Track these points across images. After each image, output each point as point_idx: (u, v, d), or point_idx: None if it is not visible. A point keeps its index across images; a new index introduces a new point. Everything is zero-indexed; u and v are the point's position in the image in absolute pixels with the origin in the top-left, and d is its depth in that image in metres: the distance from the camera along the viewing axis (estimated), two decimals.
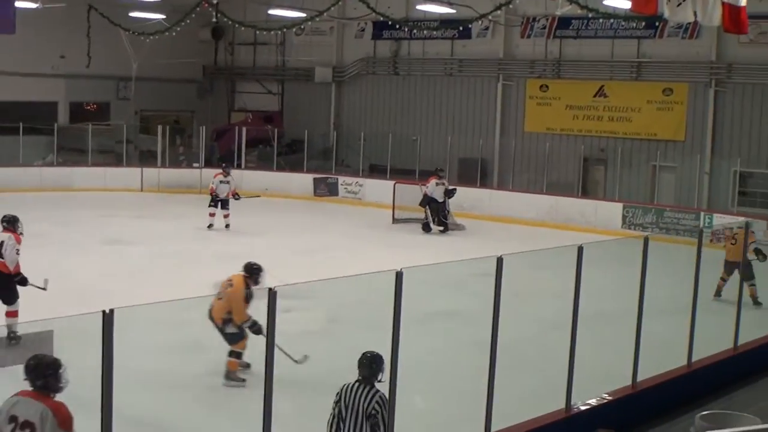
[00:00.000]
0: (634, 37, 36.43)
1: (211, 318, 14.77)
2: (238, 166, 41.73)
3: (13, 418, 7.97)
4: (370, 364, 9.60)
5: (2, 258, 16.75)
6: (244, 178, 40.18)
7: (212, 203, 30.79)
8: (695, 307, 13.83)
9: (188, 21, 36.96)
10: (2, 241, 16.91)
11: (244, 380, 14.20)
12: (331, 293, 19.08)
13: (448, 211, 32.97)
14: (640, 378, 12.83)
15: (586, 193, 36.85)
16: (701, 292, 13.92)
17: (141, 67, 43.10)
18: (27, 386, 7.65)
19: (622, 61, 36.90)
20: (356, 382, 9.66)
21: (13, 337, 12.86)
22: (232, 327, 14.70)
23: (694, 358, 13.94)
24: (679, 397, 13.36)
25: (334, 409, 9.66)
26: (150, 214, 33.06)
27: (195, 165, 42.07)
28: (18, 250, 16.84)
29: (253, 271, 15.20)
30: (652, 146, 35.96)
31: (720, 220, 30.26)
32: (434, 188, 32.27)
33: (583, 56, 37.83)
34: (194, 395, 14.04)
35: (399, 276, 8.99)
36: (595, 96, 37.50)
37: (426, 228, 32.19)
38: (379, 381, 9.54)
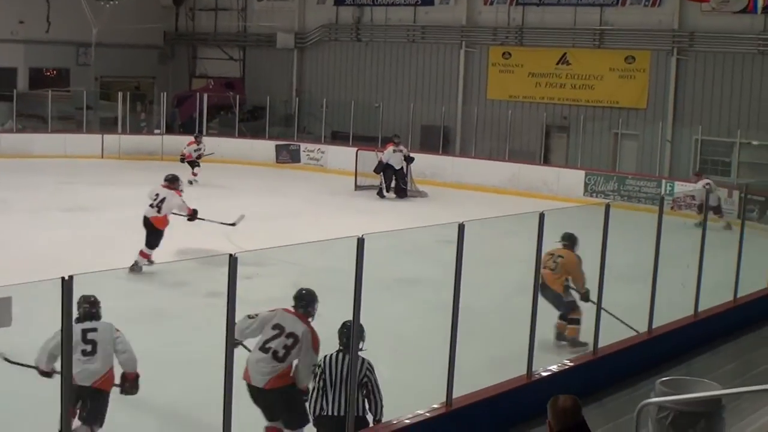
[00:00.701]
0: (596, 4, 36.48)
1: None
2: (200, 133, 41.53)
3: (279, 326, 10.46)
4: (346, 333, 9.60)
5: (159, 212, 20.18)
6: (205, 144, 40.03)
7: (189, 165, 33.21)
8: (656, 274, 13.87)
9: None
10: (164, 197, 20.62)
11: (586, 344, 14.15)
12: (293, 259, 19.04)
13: (411, 179, 33.02)
14: (601, 344, 12.88)
15: (548, 160, 36.91)
16: (662, 259, 13.95)
17: (101, 33, 42.73)
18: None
19: (585, 28, 36.92)
20: (338, 352, 9.64)
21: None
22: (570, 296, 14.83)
23: (655, 325, 13.98)
24: (640, 364, 13.42)
25: (316, 381, 9.62)
26: (110, 180, 32.87)
27: (156, 131, 41.86)
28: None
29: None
30: (614, 114, 36.05)
31: (681, 187, 30.37)
32: (390, 155, 32.27)
33: (546, 24, 37.82)
34: (157, 364, 13.96)
35: (360, 242, 8.96)
36: (557, 64, 37.52)
37: (380, 194, 32.18)
38: (361, 350, 9.53)
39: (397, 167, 32.30)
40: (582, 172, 33.95)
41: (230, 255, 7.97)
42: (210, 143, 38.94)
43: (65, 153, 38.59)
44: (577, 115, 36.68)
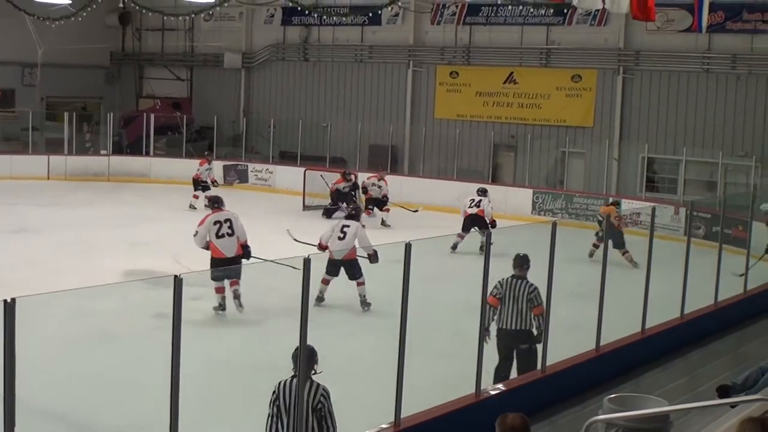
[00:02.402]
0: (543, 24, 36.69)
1: None
2: (147, 154, 41.38)
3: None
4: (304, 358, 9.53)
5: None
6: (152, 165, 39.87)
7: (199, 188, 32.68)
8: (603, 292, 13.91)
9: (95, 6, 36.42)
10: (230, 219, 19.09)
11: None
12: (241, 280, 18.93)
13: (359, 198, 33.03)
14: (549, 362, 12.89)
15: (496, 179, 37.01)
16: (610, 276, 14.00)
17: (47, 53, 42.41)
18: None
19: (532, 47, 37.12)
20: (291, 378, 9.54)
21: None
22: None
23: (603, 342, 14.02)
24: (588, 381, 13.44)
25: (271, 407, 9.53)
26: (56, 202, 32.63)
27: (103, 152, 41.61)
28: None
29: None
30: (561, 132, 36.25)
31: (628, 205, 30.55)
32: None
33: (493, 43, 37.99)
34: (103, 386, 13.85)
35: (307, 263, 8.91)
36: (504, 83, 37.69)
37: (327, 213, 32.03)
38: (314, 373, 9.46)
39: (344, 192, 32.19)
40: (530, 191, 34.10)
41: (175, 276, 7.91)
42: (157, 164, 38.88)
43: (11, 174, 38.25)
44: (524, 134, 36.84)
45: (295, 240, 21.88)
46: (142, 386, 13.23)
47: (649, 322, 15.29)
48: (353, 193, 32.35)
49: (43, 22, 38.49)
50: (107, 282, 18.39)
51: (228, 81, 45.90)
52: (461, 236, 23.79)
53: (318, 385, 9.35)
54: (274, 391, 9.53)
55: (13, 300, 6.90)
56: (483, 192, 26.69)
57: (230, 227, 18.85)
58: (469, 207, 25.73)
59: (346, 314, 18.33)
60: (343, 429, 10.26)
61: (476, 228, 23.53)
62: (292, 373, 9.58)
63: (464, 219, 25.44)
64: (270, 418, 9.51)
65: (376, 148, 39.54)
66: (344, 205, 30.93)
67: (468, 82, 38.68)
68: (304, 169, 34.55)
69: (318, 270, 8.85)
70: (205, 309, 17.63)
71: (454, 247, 24.26)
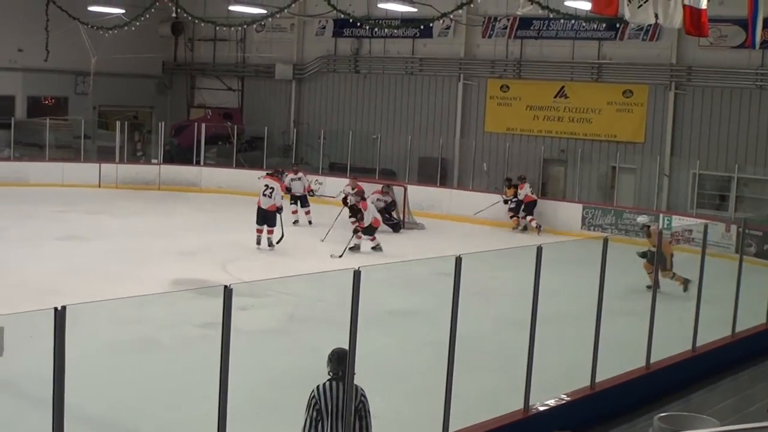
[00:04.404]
0: (594, 38, 36.50)
1: None
2: (197, 163, 41.55)
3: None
4: (341, 361, 9.53)
5: (272, 199, 27.13)
6: (203, 175, 40.04)
7: (292, 201, 32.30)
8: (654, 309, 13.81)
9: (148, 16, 36.71)
10: (273, 187, 27.47)
11: None
12: (289, 291, 18.96)
13: (408, 211, 33.03)
14: (598, 379, 12.79)
15: (545, 193, 36.87)
16: (661, 293, 13.89)
17: (100, 62, 42.66)
18: None
19: (583, 62, 36.95)
20: (329, 381, 9.54)
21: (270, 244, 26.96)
22: None
23: (653, 360, 13.91)
24: (638, 399, 13.33)
25: (309, 412, 9.51)
26: (107, 210, 32.81)
27: (153, 161, 41.83)
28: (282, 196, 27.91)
29: None
30: (612, 147, 36.04)
31: (679, 222, 30.34)
32: (376, 203, 31.98)
33: (544, 57, 37.87)
34: (149, 396, 13.87)
35: (357, 275, 8.88)
36: (555, 97, 37.53)
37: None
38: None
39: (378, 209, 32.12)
40: (580, 206, 33.91)
41: (225, 286, 7.90)
42: (208, 174, 39.03)
43: (62, 182, 38.55)
44: (574, 149, 36.67)
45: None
46: (189, 395, 13.26)
47: (700, 340, 15.17)
48: (391, 208, 32.28)
49: (97, 32, 38.82)
50: (156, 291, 18.49)
51: (279, 92, 46.03)
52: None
53: (357, 387, 9.34)
54: (312, 395, 9.52)
55: (64, 308, 6.92)
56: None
57: (272, 193, 27.25)
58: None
59: (393, 327, 18.28)
60: None
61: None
62: (329, 376, 9.57)
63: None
64: (309, 421, 9.49)
65: (425, 161, 39.50)
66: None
67: (518, 95, 38.56)
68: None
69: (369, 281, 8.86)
70: (254, 319, 17.64)
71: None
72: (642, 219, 24.75)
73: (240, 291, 8.16)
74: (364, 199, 28.35)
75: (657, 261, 19.47)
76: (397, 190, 33.84)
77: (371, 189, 32.55)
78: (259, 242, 27.19)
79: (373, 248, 26.95)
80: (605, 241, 12.74)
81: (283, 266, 23.98)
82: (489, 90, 39.39)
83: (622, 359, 14.09)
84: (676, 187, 34.61)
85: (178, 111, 49.04)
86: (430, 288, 17.53)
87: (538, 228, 33.33)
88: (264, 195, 27.40)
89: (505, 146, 37.30)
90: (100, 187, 39.37)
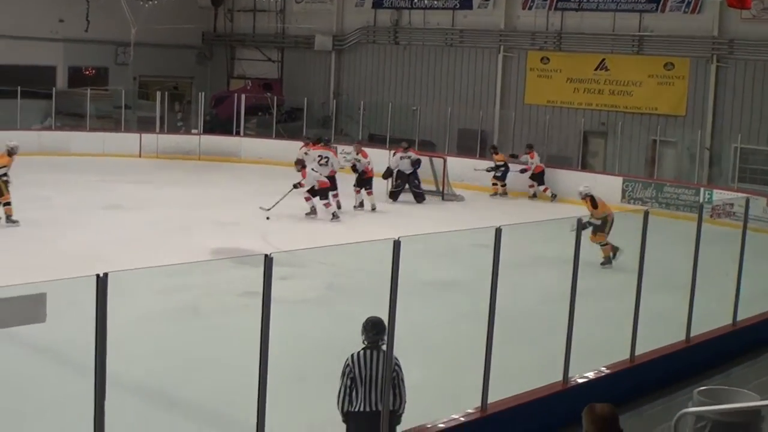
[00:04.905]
0: (636, 10, 36.20)
1: None
2: (237, 134, 41.65)
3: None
4: (377, 329, 9.58)
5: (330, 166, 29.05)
6: (243, 145, 40.10)
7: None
8: (694, 282, 13.75)
9: None
10: (328, 156, 29.48)
11: None
12: (328, 261, 19.00)
13: (447, 183, 33.05)
14: (638, 352, 12.75)
15: (586, 166, 36.72)
16: (701, 267, 13.81)
17: (140, 33, 42.78)
18: None
19: (624, 34, 36.65)
20: (364, 349, 9.62)
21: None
22: None
23: (693, 334, 13.85)
24: (677, 372, 13.28)
25: (343, 380, 9.59)
26: (148, 179, 32.95)
27: (194, 131, 41.96)
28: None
29: None
30: (653, 121, 35.80)
31: (720, 195, 30.15)
32: (398, 161, 32.16)
33: (585, 29, 37.61)
34: (191, 362, 13.96)
35: (396, 245, 8.89)
36: (596, 69, 37.29)
37: (393, 196, 32.09)
38: (382, 343, 9.51)
39: (407, 172, 32.18)
40: (620, 179, 33.74)
41: (266, 255, 7.92)
42: (247, 144, 39.10)
43: (103, 151, 38.75)
44: (615, 121, 36.44)
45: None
46: (229, 363, 13.33)
47: (741, 315, 15.09)
48: (417, 166, 32.32)
49: (137, 2, 39.01)
50: (196, 260, 18.57)
51: (318, 63, 46.01)
52: None
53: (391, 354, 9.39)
54: (347, 364, 9.59)
55: (105, 275, 6.96)
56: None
57: (327, 161, 29.10)
58: None
59: (432, 298, 18.29)
60: (429, 412, 10.28)
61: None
62: (364, 345, 9.62)
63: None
64: (344, 389, 9.57)
65: (465, 132, 39.41)
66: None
67: (559, 68, 38.37)
68: (392, 151, 34.36)
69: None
70: (294, 288, 17.69)
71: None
72: (583, 189, 24.71)
73: (280, 260, 8.18)
74: (304, 168, 28.31)
75: (602, 228, 19.75)
76: (437, 162, 33.85)
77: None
78: (314, 211, 27.71)
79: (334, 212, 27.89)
80: (646, 214, 12.68)
81: (324, 236, 24.03)
82: (529, 62, 39.21)
83: (661, 333, 14.03)
84: (718, 160, 34.37)
85: (217, 82, 49.13)
86: (470, 259, 17.53)
87: (553, 196, 33.92)
88: (320, 164, 28.71)
89: (545, 118, 37.14)
90: (140, 157, 39.55)
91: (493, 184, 34.76)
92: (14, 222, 24.05)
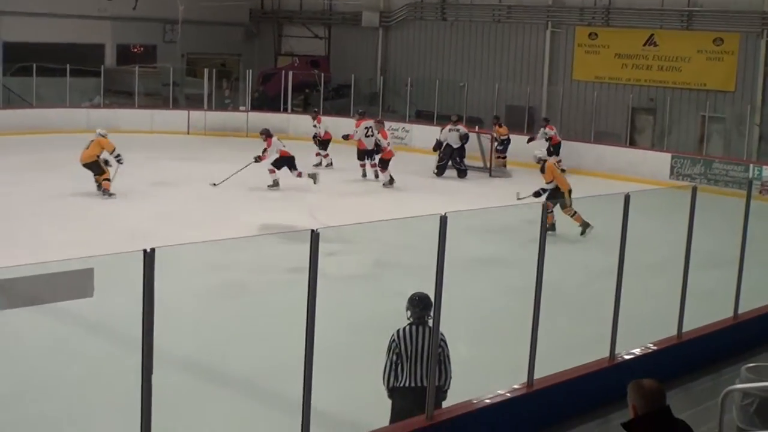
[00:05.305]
0: None
1: None
2: (285, 110, 41.73)
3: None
4: (423, 304, 9.60)
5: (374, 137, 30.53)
6: (290, 122, 40.14)
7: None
8: (743, 259, 13.65)
9: None
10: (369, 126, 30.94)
11: None
12: (375, 237, 19.03)
13: (494, 158, 33.09)
14: (685, 329, 12.69)
15: (634, 142, 36.55)
16: (750, 244, 13.71)
17: (187, 10, 42.99)
18: None
19: (673, 9, 36.41)
20: (410, 325, 9.65)
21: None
22: None
23: (741, 310, 13.76)
24: (725, 349, 13.21)
25: (389, 355, 9.62)
26: (196, 156, 33.09)
27: (241, 108, 42.07)
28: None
29: None
30: (702, 96, 35.54)
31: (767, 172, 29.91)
32: (447, 134, 32.35)
33: (633, 4, 37.37)
34: (237, 337, 14.04)
35: (443, 220, 8.89)
36: (644, 45, 37.07)
37: (439, 171, 32.12)
38: (429, 318, 9.53)
39: (455, 146, 32.26)
40: (668, 155, 33.56)
41: (312, 230, 7.93)
42: (295, 121, 39.22)
43: (152, 129, 38.97)
44: (663, 97, 36.23)
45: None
46: (277, 339, 13.38)
47: None
48: (465, 141, 32.36)
49: None
50: (243, 236, 18.67)
51: (365, 40, 45.97)
52: None
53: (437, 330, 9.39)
54: (392, 339, 9.63)
55: (153, 250, 7.00)
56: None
57: (371, 132, 30.41)
58: None
59: (479, 273, 18.30)
60: (475, 387, 10.29)
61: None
62: (409, 321, 9.63)
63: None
64: (390, 365, 9.60)
65: (512, 109, 39.29)
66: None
67: (607, 43, 38.15)
68: (440, 128, 34.31)
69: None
70: (340, 264, 17.73)
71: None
72: (537, 152, 24.82)
73: (327, 236, 8.20)
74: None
75: (558, 198, 19.83)
76: (484, 138, 33.83)
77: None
78: (365, 175, 30.36)
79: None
80: (694, 190, 12.59)
81: (371, 212, 24.06)
82: (577, 38, 39.03)
83: (709, 310, 13.95)
84: (767, 136, 34.07)
85: (265, 59, 49.24)
86: (518, 235, 17.51)
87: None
88: (366, 137, 30.65)
89: (593, 95, 36.96)
90: (188, 134, 39.75)
91: (498, 158, 34.57)
92: (111, 195, 25.27)
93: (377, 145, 30.34)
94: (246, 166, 27.24)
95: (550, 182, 23.18)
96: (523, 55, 40.55)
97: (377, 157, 30.21)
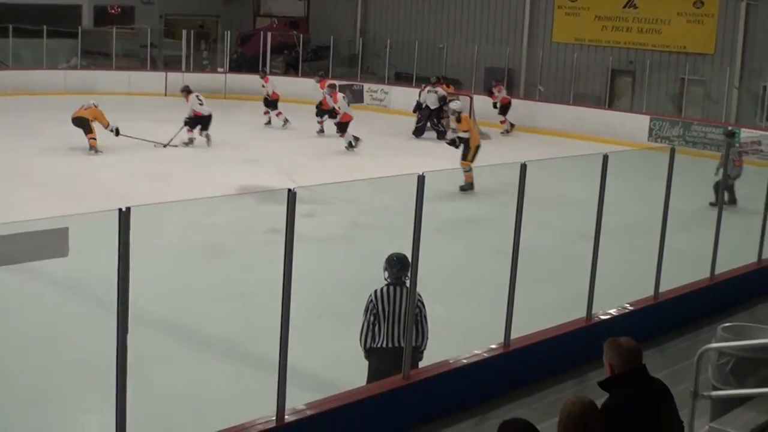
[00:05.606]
0: None
1: None
2: (264, 72, 41.60)
3: None
4: (400, 265, 9.57)
5: None
6: (269, 83, 39.96)
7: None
8: (720, 220, 13.68)
9: None
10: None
11: None
12: (352, 198, 18.99)
13: (474, 121, 33.05)
14: (662, 289, 12.73)
15: (613, 105, 36.54)
16: (727, 205, 13.73)
17: None
18: None
19: None
20: (388, 286, 9.63)
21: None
22: None
23: (717, 271, 13.81)
24: (701, 309, 13.26)
25: (366, 316, 9.61)
26: (173, 118, 32.89)
27: (220, 70, 41.89)
28: None
29: None
30: (681, 59, 35.52)
31: (747, 134, 29.94)
32: (425, 96, 32.37)
33: None
34: (213, 299, 14.01)
35: (421, 180, 8.85)
36: (624, 7, 36.99)
37: (417, 132, 32.11)
38: (406, 278, 9.52)
39: (432, 107, 32.33)
40: (647, 117, 33.59)
41: (289, 190, 7.89)
42: (274, 82, 39.09)
43: (129, 90, 38.77)
44: (643, 60, 36.20)
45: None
46: (254, 300, 13.36)
47: (766, 252, 15.02)
48: (443, 103, 32.37)
49: None
50: (220, 194, 18.64)
51: (345, 1, 45.76)
52: None
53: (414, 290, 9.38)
54: (370, 300, 9.61)
55: (128, 209, 6.96)
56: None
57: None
58: None
59: (458, 234, 18.31)
60: (451, 347, 10.30)
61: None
62: (387, 281, 9.62)
63: None
64: (367, 326, 9.59)
65: (492, 71, 39.17)
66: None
67: (587, 5, 38.05)
68: (419, 90, 34.24)
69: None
70: (318, 225, 17.71)
71: None
72: (453, 104, 25.73)
73: (304, 198, 8.17)
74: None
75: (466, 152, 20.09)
76: (463, 100, 33.76)
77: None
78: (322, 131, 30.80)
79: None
80: (672, 151, 12.60)
81: (350, 174, 24.01)
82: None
83: (686, 271, 13.98)
84: (746, 99, 34.11)
85: (244, 20, 49.00)
86: (496, 196, 17.52)
87: (508, 129, 35.03)
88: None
89: (573, 57, 36.90)
90: (166, 95, 39.51)
91: (501, 122, 35.01)
92: (99, 152, 26.04)
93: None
94: (182, 128, 27.86)
95: (466, 131, 23.62)
96: (503, 17, 40.41)
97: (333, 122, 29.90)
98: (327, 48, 42.55)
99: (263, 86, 33.88)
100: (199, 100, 28.52)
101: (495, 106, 34.72)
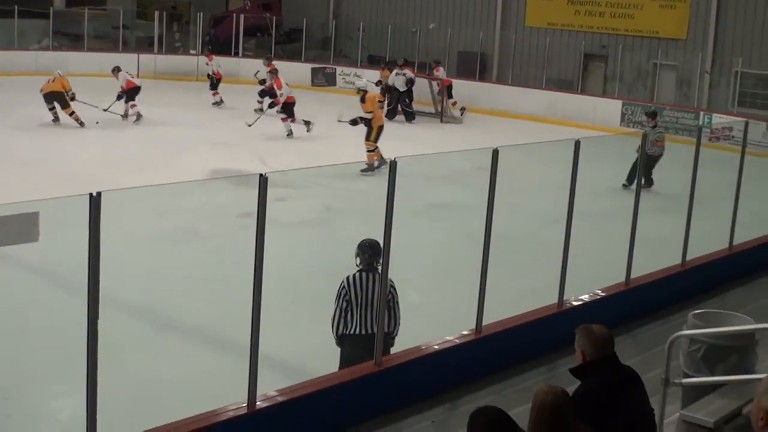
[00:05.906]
0: None
1: None
2: (236, 54, 41.44)
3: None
4: (372, 251, 9.56)
5: None
6: (241, 66, 39.86)
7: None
8: (691, 206, 13.72)
9: None
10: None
11: None
12: (325, 182, 18.94)
13: (447, 105, 33.08)
14: (633, 276, 12.76)
15: (585, 89, 36.59)
16: (699, 191, 13.77)
17: None
18: None
19: None
20: (360, 272, 9.61)
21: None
22: None
23: (689, 257, 13.85)
24: (672, 296, 13.30)
25: (338, 302, 9.58)
26: (145, 100, 32.74)
27: (192, 52, 41.73)
28: None
29: None
30: (653, 44, 35.60)
31: (719, 119, 30.03)
32: (393, 78, 32.52)
33: None
34: (185, 284, 13.96)
35: (393, 165, 8.84)
36: None
37: (389, 115, 32.08)
38: (377, 264, 9.50)
39: (401, 90, 32.38)
40: (619, 102, 33.68)
41: (261, 175, 7.86)
42: (246, 65, 39.00)
43: (101, 71, 38.46)
44: (615, 44, 36.27)
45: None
46: (225, 284, 13.33)
47: (737, 239, 15.08)
48: (411, 91, 32.51)
49: None
50: (193, 179, 18.56)
51: None
52: None
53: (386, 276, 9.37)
54: (342, 286, 9.59)
55: (99, 194, 6.91)
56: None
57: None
58: None
59: (431, 220, 18.31)
60: (423, 333, 10.29)
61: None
62: (359, 267, 9.61)
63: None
64: (339, 312, 9.57)
65: (465, 55, 39.22)
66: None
67: None
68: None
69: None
70: (291, 209, 17.67)
71: None
72: (359, 83, 26.13)
73: (277, 182, 8.14)
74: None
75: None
76: (435, 84, 33.79)
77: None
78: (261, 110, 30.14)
79: None
80: (644, 136, 12.64)
81: (323, 159, 23.97)
82: None
83: (658, 257, 14.03)
84: (717, 84, 34.22)
85: (216, 2, 48.75)
86: (471, 182, 17.49)
87: (462, 110, 34.84)
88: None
89: (546, 41, 36.93)
90: (138, 77, 39.30)
91: (453, 104, 34.79)
92: (82, 124, 27.02)
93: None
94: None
95: (369, 112, 23.65)
96: (476, 1, 40.38)
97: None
98: (300, 31, 42.47)
99: (207, 64, 34.45)
100: (130, 74, 29.37)
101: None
